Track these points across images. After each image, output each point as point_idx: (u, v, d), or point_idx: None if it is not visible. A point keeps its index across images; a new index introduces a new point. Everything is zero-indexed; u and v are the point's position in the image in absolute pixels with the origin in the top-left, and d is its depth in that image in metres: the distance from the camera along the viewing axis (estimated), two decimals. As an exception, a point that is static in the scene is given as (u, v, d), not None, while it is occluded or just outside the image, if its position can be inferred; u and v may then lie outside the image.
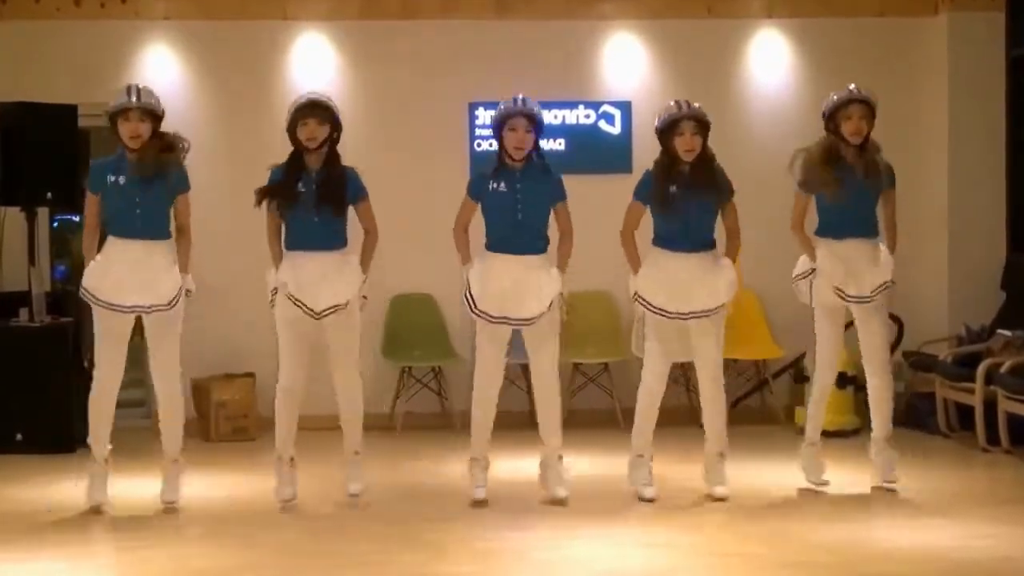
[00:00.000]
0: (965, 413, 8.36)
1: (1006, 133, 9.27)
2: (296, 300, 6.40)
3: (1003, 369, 7.91)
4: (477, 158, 9.36)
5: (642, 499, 6.60)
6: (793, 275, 6.82)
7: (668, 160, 6.56)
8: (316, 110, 6.46)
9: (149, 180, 6.37)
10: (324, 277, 6.42)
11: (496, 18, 9.40)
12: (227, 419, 8.77)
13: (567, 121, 9.35)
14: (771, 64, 9.58)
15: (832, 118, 6.65)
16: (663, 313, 6.52)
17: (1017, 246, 9.20)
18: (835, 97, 6.66)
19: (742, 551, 5.70)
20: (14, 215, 8.64)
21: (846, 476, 7.16)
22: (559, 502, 6.54)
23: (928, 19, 9.43)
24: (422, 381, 9.21)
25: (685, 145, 6.49)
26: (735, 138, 8.92)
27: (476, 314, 6.48)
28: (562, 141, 9.32)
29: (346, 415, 6.70)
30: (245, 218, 8.85)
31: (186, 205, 6.53)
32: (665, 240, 6.59)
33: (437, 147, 9.39)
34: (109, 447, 6.58)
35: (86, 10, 9.18)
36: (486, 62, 9.40)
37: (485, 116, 9.38)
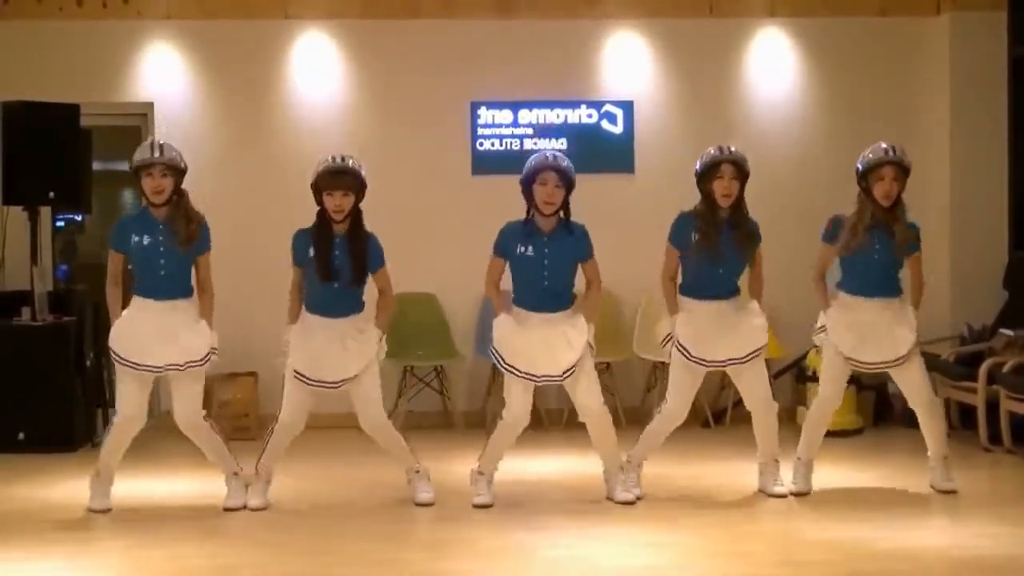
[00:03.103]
0: (967, 412, 8.35)
1: (1008, 132, 9.26)
2: (307, 380, 6.44)
3: (1005, 368, 7.91)
4: (479, 157, 9.37)
5: (619, 500, 6.60)
6: (815, 327, 6.81)
7: (707, 204, 6.55)
8: (342, 179, 6.41)
9: (173, 241, 6.41)
10: (341, 345, 6.45)
11: (498, 17, 9.40)
12: (229, 418, 8.77)
13: (569, 121, 9.35)
14: (773, 63, 9.57)
15: (864, 177, 6.60)
16: (700, 362, 6.56)
17: (1019, 245, 9.19)
18: (870, 154, 6.58)
19: (743, 550, 5.70)
20: (16, 214, 8.64)
21: (847, 476, 7.17)
22: (626, 503, 6.54)
23: (930, 18, 9.43)
24: (424, 380, 9.22)
25: (723, 189, 6.48)
26: (737, 137, 8.90)
27: (505, 368, 6.51)
28: (564, 141, 9.31)
29: (387, 450, 6.72)
30: (247, 219, 8.91)
31: (207, 264, 6.57)
32: (694, 288, 6.60)
33: (439, 146, 9.39)
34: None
35: (88, 9, 9.20)
36: (488, 61, 9.41)
37: (487, 115, 9.40)
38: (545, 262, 6.50)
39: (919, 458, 6.94)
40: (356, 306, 6.58)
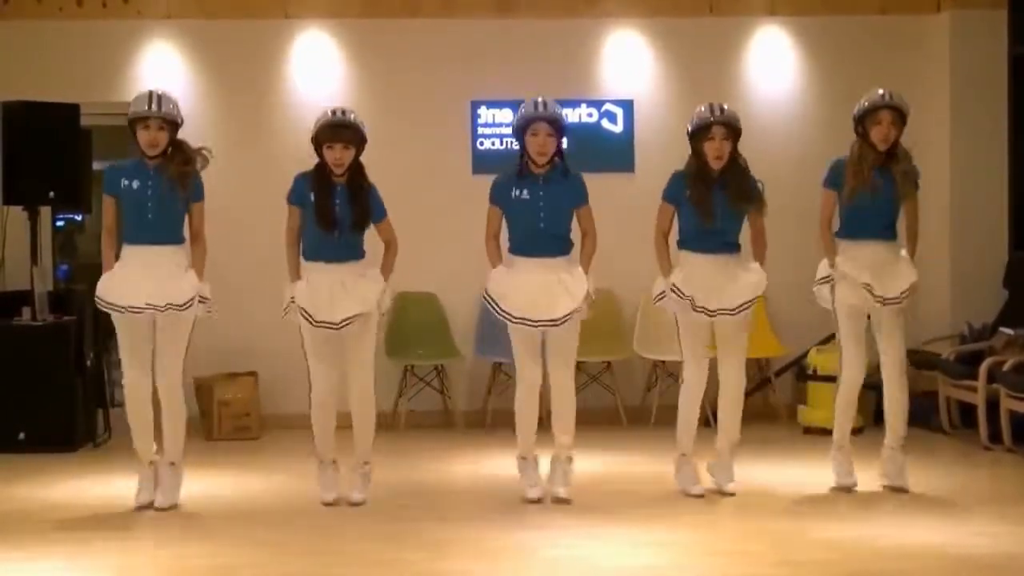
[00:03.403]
0: (967, 411, 8.36)
1: (1008, 131, 9.26)
2: (317, 323, 6.41)
3: (1005, 367, 7.91)
4: (479, 156, 9.37)
5: (691, 495, 6.62)
6: (816, 279, 6.78)
7: (698, 163, 6.55)
8: (342, 133, 6.42)
9: (163, 186, 6.39)
10: (343, 287, 6.43)
11: (498, 16, 9.41)
12: (229, 418, 8.78)
13: (569, 120, 9.31)
14: (773, 62, 9.57)
15: (861, 122, 6.60)
16: (691, 304, 6.50)
17: (1019, 244, 9.19)
18: (866, 102, 6.59)
19: (743, 549, 5.70)
20: (17, 214, 8.64)
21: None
22: (560, 501, 6.54)
23: (930, 17, 9.43)
24: (424, 380, 9.22)
25: (714, 151, 6.48)
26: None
27: (500, 316, 6.48)
28: (564, 140, 9.29)
29: (358, 424, 6.65)
30: (247, 217, 8.91)
31: (201, 213, 6.55)
32: (692, 241, 6.59)
33: (439, 145, 9.40)
34: (155, 447, 6.60)
35: (88, 9, 9.20)
36: (488, 60, 9.41)
37: (487, 115, 9.41)
38: (541, 203, 6.49)
39: (919, 458, 6.95)
40: (356, 253, 6.55)
